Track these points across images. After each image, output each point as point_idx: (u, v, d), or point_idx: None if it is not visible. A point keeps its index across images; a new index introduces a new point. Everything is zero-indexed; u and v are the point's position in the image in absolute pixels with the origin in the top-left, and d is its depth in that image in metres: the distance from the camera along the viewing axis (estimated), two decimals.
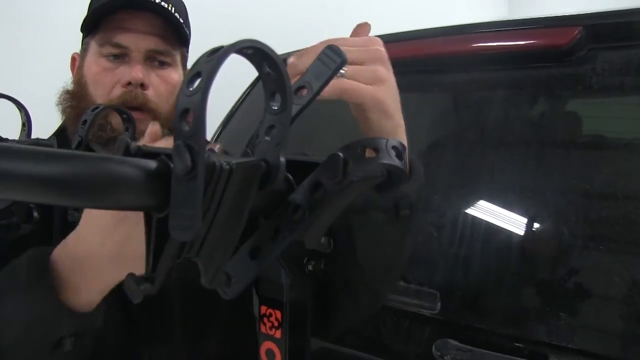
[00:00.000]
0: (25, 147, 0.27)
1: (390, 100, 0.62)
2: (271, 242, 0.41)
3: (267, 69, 0.35)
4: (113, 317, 0.58)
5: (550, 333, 0.90)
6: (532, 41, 1.10)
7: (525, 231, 1.00)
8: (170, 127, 0.80)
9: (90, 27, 0.80)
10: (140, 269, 0.34)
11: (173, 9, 0.80)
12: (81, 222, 0.49)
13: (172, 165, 0.31)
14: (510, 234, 1.00)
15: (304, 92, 0.47)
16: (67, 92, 0.81)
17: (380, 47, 0.60)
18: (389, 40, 1.30)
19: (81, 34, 0.83)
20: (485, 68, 1.18)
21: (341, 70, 0.55)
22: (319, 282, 0.70)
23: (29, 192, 0.27)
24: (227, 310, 0.74)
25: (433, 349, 0.97)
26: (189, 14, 0.88)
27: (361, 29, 0.64)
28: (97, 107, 0.68)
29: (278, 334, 0.65)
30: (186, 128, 0.30)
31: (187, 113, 0.30)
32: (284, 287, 0.68)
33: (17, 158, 0.26)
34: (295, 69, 0.54)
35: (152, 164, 0.32)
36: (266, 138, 0.36)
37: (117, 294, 0.47)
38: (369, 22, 0.65)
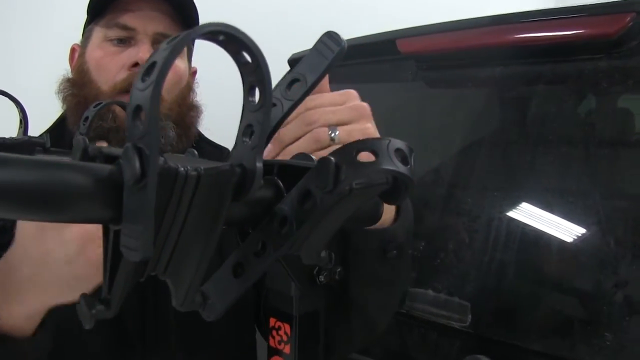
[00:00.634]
0: None
1: None
2: (255, 258, 0.36)
3: (245, 58, 0.29)
4: (104, 327, 0.54)
5: (593, 354, 0.81)
6: (576, 31, 1.00)
7: (568, 239, 0.91)
8: (174, 119, 0.76)
9: (96, 10, 0.77)
10: (65, 296, 0.29)
11: None
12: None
13: None
14: (550, 241, 0.92)
15: (298, 85, 0.41)
16: (68, 80, 0.78)
17: (363, 102, 0.54)
18: (423, 32, 1.24)
19: (81, 26, 0.80)
20: (525, 61, 1.09)
21: (331, 134, 0.50)
22: (332, 294, 0.65)
23: None
24: (226, 320, 0.70)
25: None
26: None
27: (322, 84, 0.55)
28: (99, 103, 0.64)
29: (287, 349, 0.61)
30: (139, 128, 0.25)
31: (140, 110, 0.26)
32: (294, 300, 0.64)
33: None
34: (282, 142, 0.49)
35: (105, 169, 0.27)
36: (243, 139, 0.31)
37: None
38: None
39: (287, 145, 0.48)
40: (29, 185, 0.25)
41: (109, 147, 0.34)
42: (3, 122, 0.65)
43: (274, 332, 0.65)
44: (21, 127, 0.61)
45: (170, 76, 0.76)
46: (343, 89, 1.85)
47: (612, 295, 0.83)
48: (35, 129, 0.67)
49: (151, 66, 0.26)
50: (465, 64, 1.19)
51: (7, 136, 0.58)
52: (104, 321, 0.38)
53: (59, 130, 0.74)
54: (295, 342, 0.61)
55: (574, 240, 0.91)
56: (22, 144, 0.56)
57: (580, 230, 0.92)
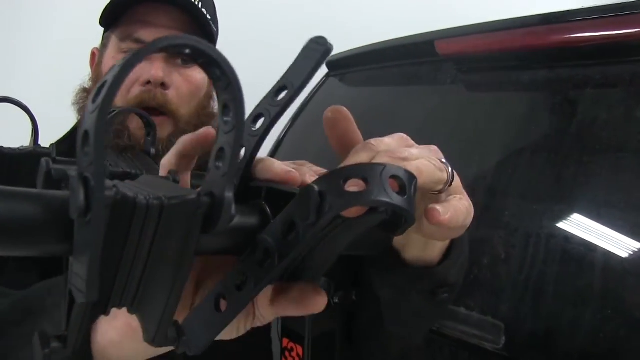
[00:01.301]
0: None
1: None
2: (237, 291, 0.33)
3: (217, 73, 0.26)
4: None
5: None
6: (631, 30, 0.92)
7: (616, 256, 0.83)
8: (195, 130, 0.74)
9: (109, 20, 0.75)
10: None
11: (200, 3, 0.75)
12: None
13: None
14: (595, 259, 0.84)
15: (285, 93, 0.38)
16: (84, 90, 0.78)
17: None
18: (462, 33, 1.18)
19: (83, 32, 0.80)
20: (572, 63, 1.01)
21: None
22: (347, 316, 0.62)
23: None
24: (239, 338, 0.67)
25: None
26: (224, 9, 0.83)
27: (342, 117, 0.41)
28: (112, 111, 0.63)
29: None
30: (88, 155, 0.23)
31: (88, 136, 0.23)
32: (306, 322, 0.61)
33: None
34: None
35: (58, 198, 0.25)
36: (216, 164, 0.28)
37: None
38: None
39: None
40: None
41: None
42: (18, 130, 0.66)
43: (287, 353, 0.62)
44: (32, 136, 0.61)
45: (185, 88, 0.75)
46: (382, 91, 1.81)
47: None
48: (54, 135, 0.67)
49: (102, 87, 0.23)
50: (507, 67, 1.12)
51: (17, 145, 0.59)
52: None
53: (71, 140, 0.74)
54: None
55: (624, 258, 0.83)
56: (28, 154, 0.56)
57: (631, 247, 0.84)
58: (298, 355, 0.61)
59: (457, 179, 0.38)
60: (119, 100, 0.72)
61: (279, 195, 0.34)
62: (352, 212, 0.30)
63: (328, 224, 0.30)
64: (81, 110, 0.76)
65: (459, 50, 1.17)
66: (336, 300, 0.56)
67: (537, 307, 0.86)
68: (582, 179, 0.91)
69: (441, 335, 0.93)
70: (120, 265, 0.27)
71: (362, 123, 1.49)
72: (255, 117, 0.37)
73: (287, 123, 1.67)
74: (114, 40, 0.76)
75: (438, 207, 0.35)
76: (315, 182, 0.30)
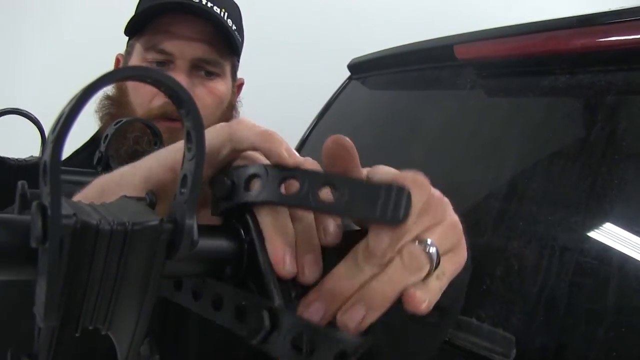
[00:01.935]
0: None
1: None
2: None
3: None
4: None
5: None
6: None
7: (633, 271, 0.80)
8: None
9: (135, 29, 0.76)
10: None
11: (225, 14, 0.75)
12: None
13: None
14: (610, 274, 0.81)
15: (256, 184, 0.32)
16: (108, 97, 0.79)
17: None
18: (480, 37, 1.16)
19: (89, 38, 0.81)
20: (593, 69, 0.98)
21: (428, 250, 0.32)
22: None
23: None
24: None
25: None
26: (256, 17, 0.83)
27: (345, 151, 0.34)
28: (120, 121, 0.64)
29: None
30: (46, 184, 0.24)
31: (46, 166, 0.24)
32: None
33: None
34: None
35: (24, 223, 0.26)
36: (181, 190, 0.28)
37: None
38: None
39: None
40: None
41: None
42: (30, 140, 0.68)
43: None
44: (42, 147, 0.63)
45: (209, 99, 0.76)
46: (402, 95, 1.79)
47: None
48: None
49: (60, 117, 0.24)
50: (527, 72, 1.10)
51: (27, 156, 0.61)
52: None
53: (92, 149, 0.75)
54: None
55: None
56: (34, 165, 0.58)
57: None
58: None
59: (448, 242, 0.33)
60: (140, 109, 0.73)
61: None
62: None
63: None
64: (103, 118, 0.78)
65: (478, 55, 1.15)
66: None
67: (550, 321, 0.84)
68: (600, 189, 0.88)
69: (452, 345, 0.92)
70: (87, 287, 0.27)
71: (382, 126, 1.49)
72: None
73: (311, 124, 1.68)
74: (138, 48, 0.77)
75: (418, 292, 0.30)
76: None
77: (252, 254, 0.32)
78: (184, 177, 0.28)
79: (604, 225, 0.85)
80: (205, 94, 0.76)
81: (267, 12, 2.04)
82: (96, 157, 0.64)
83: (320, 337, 0.26)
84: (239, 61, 0.86)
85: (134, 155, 0.71)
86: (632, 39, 0.94)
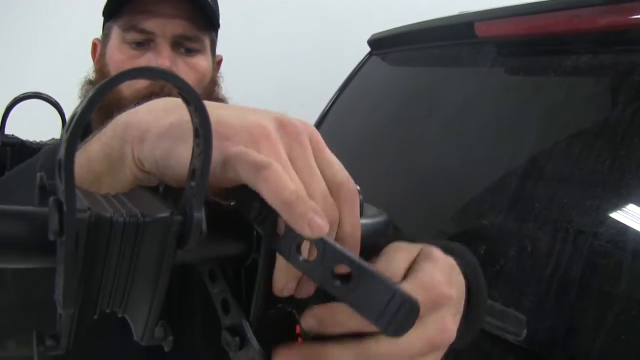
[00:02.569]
0: None
1: None
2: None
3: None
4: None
5: None
6: None
7: None
8: None
9: (112, 10, 0.75)
10: None
11: None
12: None
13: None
14: (624, 257, 0.81)
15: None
16: (90, 82, 0.78)
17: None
18: (501, 15, 1.14)
19: (102, 18, 0.79)
20: (618, 49, 0.96)
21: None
22: None
23: None
24: None
25: None
26: None
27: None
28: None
29: None
30: (62, 181, 0.26)
31: (61, 164, 0.26)
32: None
33: None
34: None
35: (43, 217, 0.28)
36: (191, 184, 0.30)
37: None
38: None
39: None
40: None
41: None
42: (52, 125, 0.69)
43: None
44: (62, 129, 0.65)
45: (192, 75, 0.76)
46: (422, 71, 1.76)
47: None
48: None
49: (73, 117, 0.26)
50: (548, 51, 1.08)
51: (48, 139, 0.62)
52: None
53: (83, 135, 0.76)
54: None
55: None
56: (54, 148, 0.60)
57: None
58: None
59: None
60: (126, 89, 0.72)
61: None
62: None
63: None
64: None
65: (499, 33, 1.13)
66: None
67: (562, 302, 0.85)
68: (618, 173, 0.87)
69: None
70: (103, 276, 0.29)
71: (401, 102, 1.48)
72: None
73: (331, 98, 1.68)
74: (116, 30, 0.76)
75: None
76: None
77: (253, 262, 0.34)
78: (193, 171, 0.30)
79: (619, 209, 0.85)
80: (188, 71, 0.75)
81: None
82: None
83: None
84: (217, 36, 0.84)
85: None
86: None
